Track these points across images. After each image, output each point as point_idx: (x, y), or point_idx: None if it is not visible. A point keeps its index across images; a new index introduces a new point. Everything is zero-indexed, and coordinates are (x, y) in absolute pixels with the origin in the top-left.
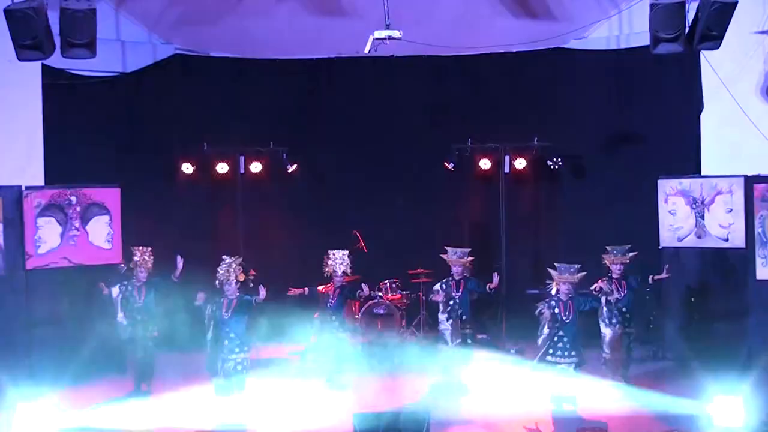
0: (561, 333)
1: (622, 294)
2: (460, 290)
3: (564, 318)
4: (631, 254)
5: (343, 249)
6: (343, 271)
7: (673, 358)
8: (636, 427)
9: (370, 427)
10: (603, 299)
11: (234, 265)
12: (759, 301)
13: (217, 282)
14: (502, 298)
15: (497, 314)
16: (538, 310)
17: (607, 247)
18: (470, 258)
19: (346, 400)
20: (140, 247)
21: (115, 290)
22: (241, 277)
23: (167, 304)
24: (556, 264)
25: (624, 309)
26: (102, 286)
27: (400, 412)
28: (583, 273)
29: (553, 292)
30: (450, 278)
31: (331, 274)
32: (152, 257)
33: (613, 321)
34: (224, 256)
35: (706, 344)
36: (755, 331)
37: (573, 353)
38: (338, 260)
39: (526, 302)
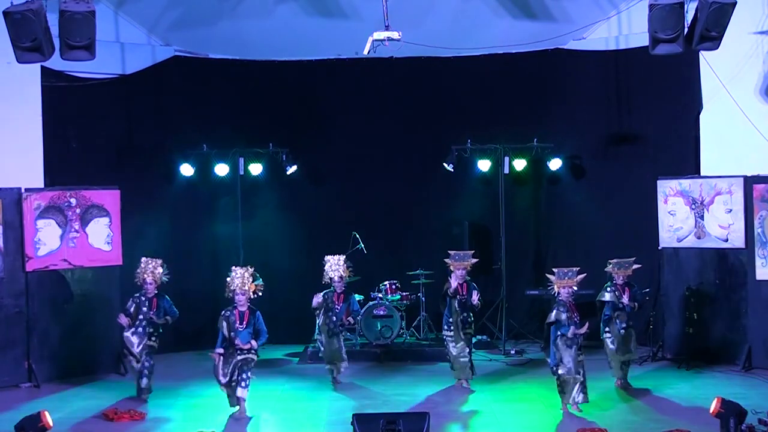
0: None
1: (629, 299)
2: (464, 293)
3: (575, 318)
4: (635, 267)
5: (343, 250)
6: (340, 276)
7: (673, 358)
8: (636, 428)
9: (370, 427)
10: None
11: (246, 276)
12: (759, 302)
13: (227, 292)
14: (502, 300)
15: (497, 315)
16: (550, 320)
17: (611, 261)
18: (473, 260)
19: (346, 400)
20: (150, 259)
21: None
22: (252, 288)
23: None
24: (554, 269)
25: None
26: (124, 323)
27: (400, 412)
28: (583, 275)
29: (555, 292)
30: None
31: (330, 281)
32: (162, 269)
33: (615, 327)
34: (234, 267)
35: (706, 344)
36: (755, 331)
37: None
38: (333, 266)
39: (526, 303)
